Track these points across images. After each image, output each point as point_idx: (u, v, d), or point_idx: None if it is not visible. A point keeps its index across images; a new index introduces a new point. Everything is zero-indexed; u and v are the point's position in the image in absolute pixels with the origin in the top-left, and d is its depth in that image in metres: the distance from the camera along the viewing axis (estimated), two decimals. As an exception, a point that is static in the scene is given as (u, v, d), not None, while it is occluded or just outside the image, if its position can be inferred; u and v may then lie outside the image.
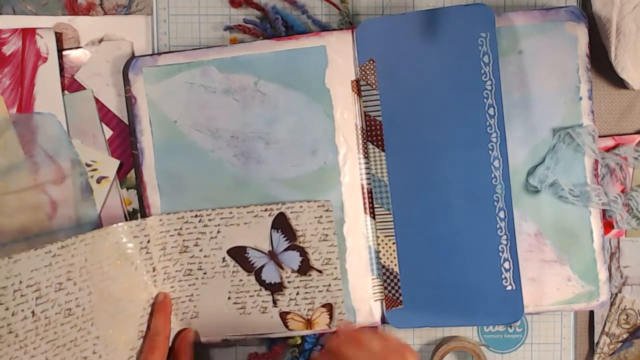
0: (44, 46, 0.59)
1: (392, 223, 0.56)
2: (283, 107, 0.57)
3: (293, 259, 0.56)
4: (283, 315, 0.57)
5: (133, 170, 0.58)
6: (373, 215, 0.57)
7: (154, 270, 0.55)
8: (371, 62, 0.56)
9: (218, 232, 0.56)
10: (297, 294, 0.56)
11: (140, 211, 0.58)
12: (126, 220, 0.61)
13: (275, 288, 0.56)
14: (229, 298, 0.56)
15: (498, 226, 0.55)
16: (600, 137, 0.59)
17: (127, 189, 0.61)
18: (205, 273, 0.56)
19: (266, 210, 0.56)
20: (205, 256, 0.56)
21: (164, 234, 0.55)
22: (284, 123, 0.57)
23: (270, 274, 0.56)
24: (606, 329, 0.62)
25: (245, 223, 0.56)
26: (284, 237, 0.56)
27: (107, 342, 0.51)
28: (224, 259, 0.56)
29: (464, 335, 0.61)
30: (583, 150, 0.56)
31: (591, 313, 0.62)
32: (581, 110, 0.57)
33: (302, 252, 0.56)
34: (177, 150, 0.58)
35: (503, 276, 0.55)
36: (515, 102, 0.57)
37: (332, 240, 0.56)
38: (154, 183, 0.57)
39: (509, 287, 0.55)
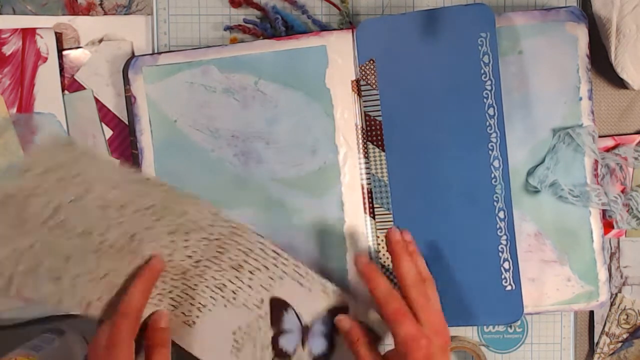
0: (44, 46, 0.59)
1: (392, 223, 0.56)
2: (283, 107, 0.57)
3: (319, 345, 0.53)
4: None
5: (133, 170, 0.59)
6: (373, 215, 0.57)
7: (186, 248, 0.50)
8: (371, 62, 0.56)
9: (281, 278, 0.52)
10: None
11: (140, 211, 0.58)
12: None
13: (282, 356, 0.53)
14: (233, 333, 0.52)
15: (498, 226, 0.55)
16: (600, 137, 0.59)
17: (127, 189, 0.61)
18: (234, 297, 0.52)
19: (334, 292, 0.53)
20: (249, 286, 0.52)
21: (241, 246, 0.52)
22: (284, 123, 0.57)
23: (288, 343, 0.53)
24: (606, 329, 0.62)
25: (309, 289, 0.52)
26: (331, 325, 0.53)
27: None
28: (262, 300, 0.52)
29: (464, 335, 0.61)
30: (583, 151, 0.56)
31: (591, 313, 0.62)
32: (581, 110, 0.57)
33: (332, 345, 0.53)
34: (177, 150, 0.58)
35: (503, 276, 0.55)
36: (515, 102, 0.57)
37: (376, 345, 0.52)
38: (154, 183, 0.57)
39: (509, 287, 0.55)
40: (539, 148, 0.57)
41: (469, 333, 0.62)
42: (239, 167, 0.58)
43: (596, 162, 0.57)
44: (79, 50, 0.60)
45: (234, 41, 0.60)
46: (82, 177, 0.46)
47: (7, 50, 0.59)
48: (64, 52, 0.60)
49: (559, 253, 0.58)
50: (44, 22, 0.60)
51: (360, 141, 0.57)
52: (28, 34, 0.59)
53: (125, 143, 0.60)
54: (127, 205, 0.47)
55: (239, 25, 0.59)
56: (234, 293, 0.52)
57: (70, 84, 0.60)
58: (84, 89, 0.60)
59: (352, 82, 0.57)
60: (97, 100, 0.60)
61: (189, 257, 0.51)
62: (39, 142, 0.49)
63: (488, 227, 0.55)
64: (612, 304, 0.61)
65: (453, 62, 0.55)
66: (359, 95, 0.57)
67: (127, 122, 0.59)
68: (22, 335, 0.59)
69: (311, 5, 0.60)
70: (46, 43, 0.59)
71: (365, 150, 0.57)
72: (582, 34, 0.56)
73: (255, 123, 0.58)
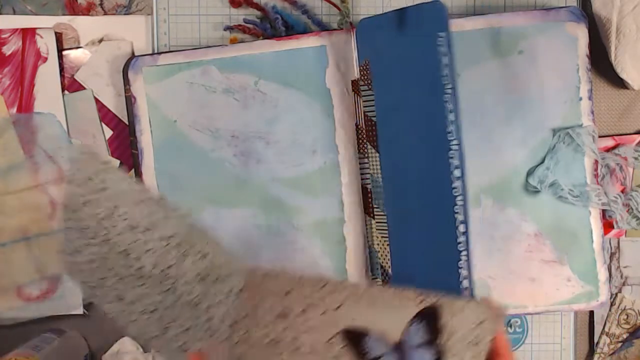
0: (44, 46, 0.59)
1: (386, 224, 0.56)
2: (283, 107, 0.57)
3: (424, 357, 0.42)
4: None
5: (133, 170, 0.58)
6: (373, 215, 0.57)
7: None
8: (366, 61, 0.56)
9: (339, 306, 0.42)
10: None
11: (140, 211, 0.58)
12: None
13: None
14: None
15: (458, 241, 0.51)
16: (600, 137, 0.59)
17: (127, 189, 0.61)
18: (297, 348, 0.41)
19: (417, 297, 0.43)
20: (305, 331, 0.42)
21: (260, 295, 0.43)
22: (284, 123, 0.58)
23: None
24: (606, 329, 0.62)
25: (373, 303, 0.43)
26: (425, 331, 0.43)
27: None
28: (331, 338, 0.41)
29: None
30: (583, 151, 0.56)
31: (591, 313, 0.62)
32: (581, 110, 0.57)
33: (438, 354, 0.42)
34: (177, 150, 0.58)
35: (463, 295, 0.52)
36: (515, 102, 0.57)
37: (483, 349, 0.42)
38: (153, 183, 0.57)
39: None
40: (539, 148, 0.57)
41: (469, 333, 0.61)
42: (239, 167, 0.58)
43: (596, 162, 0.57)
44: (79, 50, 0.60)
45: (234, 41, 0.60)
46: (109, 191, 0.40)
47: (7, 50, 0.59)
48: (64, 52, 0.60)
49: (559, 253, 0.58)
50: (44, 22, 0.60)
51: (360, 141, 0.57)
52: (28, 34, 0.59)
53: (125, 143, 0.60)
54: (152, 229, 0.41)
55: (239, 25, 0.59)
56: (294, 343, 0.41)
57: (70, 84, 0.60)
58: (84, 89, 0.60)
59: (352, 82, 0.57)
60: (97, 100, 0.60)
61: (222, 322, 0.42)
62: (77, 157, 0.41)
63: (448, 243, 0.51)
64: (612, 304, 0.61)
65: (420, 64, 0.52)
66: (359, 95, 0.57)
67: (127, 122, 0.59)
68: (22, 335, 0.59)
69: (311, 5, 0.60)
70: (46, 43, 0.59)
71: (365, 150, 0.57)
72: (582, 34, 0.56)
73: (255, 123, 0.58)
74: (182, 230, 0.41)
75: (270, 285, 0.41)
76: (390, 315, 0.43)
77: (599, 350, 0.62)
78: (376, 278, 0.58)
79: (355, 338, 0.42)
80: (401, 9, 0.52)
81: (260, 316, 0.41)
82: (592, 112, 0.57)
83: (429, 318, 0.42)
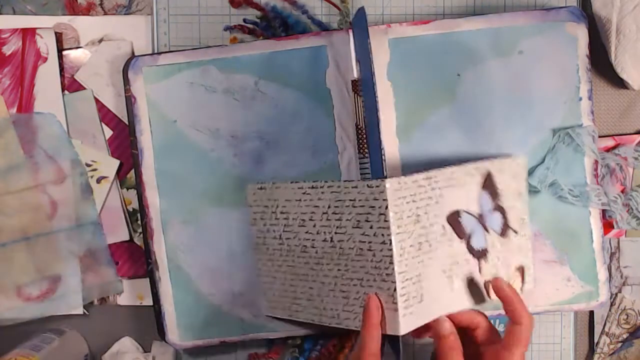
0: (44, 46, 0.59)
1: None
2: (283, 107, 0.57)
3: (497, 221, 0.52)
4: (487, 285, 0.51)
5: (133, 170, 0.58)
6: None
7: (390, 244, 0.46)
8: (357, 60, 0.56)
9: (440, 195, 0.49)
10: (498, 259, 0.52)
11: (140, 211, 0.58)
12: (126, 219, 0.61)
13: (482, 254, 0.51)
14: (443, 272, 0.49)
15: None
16: (600, 137, 0.59)
17: (127, 189, 0.61)
18: (430, 245, 0.48)
19: (477, 168, 0.51)
20: (430, 224, 0.48)
21: (401, 200, 0.46)
22: (284, 123, 0.57)
23: (479, 240, 0.51)
24: (606, 329, 0.62)
25: (460, 184, 0.50)
26: (490, 197, 0.52)
27: (329, 291, 0.51)
28: (443, 226, 0.49)
29: (464, 335, 0.61)
30: (583, 151, 0.56)
31: (591, 313, 0.62)
32: (581, 110, 0.57)
33: (503, 212, 0.52)
34: (176, 150, 0.58)
35: None
36: (515, 102, 0.57)
37: (526, 197, 0.54)
38: (153, 183, 0.57)
39: None
40: (539, 148, 0.57)
41: (469, 333, 0.61)
42: (239, 167, 0.58)
43: (596, 162, 0.57)
44: (79, 50, 0.60)
45: (234, 41, 0.60)
46: None
47: (7, 50, 0.59)
48: (64, 52, 0.60)
49: (558, 253, 0.58)
50: (44, 22, 0.60)
51: (360, 141, 0.57)
52: (28, 34, 0.59)
53: (125, 143, 0.60)
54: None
55: (239, 25, 0.59)
56: (427, 241, 0.48)
57: (70, 84, 0.60)
58: (84, 89, 0.60)
59: (352, 82, 0.57)
60: (97, 100, 0.60)
61: (365, 242, 0.48)
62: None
63: None
64: (612, 304, 0.61)
65: (363, 67, 0.54)
66: (359, 95, 0.57)
67: (127, 122, 0.59)
68: (22, 335, 0.59)
69: (311, 5, 0.60)
70: (46, 43, 0.59)
71: (365, 150, 0.57)
72: (582, 34, 0.56)
73: (255, 123, 0.58)
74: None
75: (404, 192, 0.47)
76: (467, 193, 0.51)
77: (599, 350, 0.62)
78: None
79: (454, 219, 0.50)
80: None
81: (406, 225, 0.47)
82: (592, 112, 0.57)
83: (489, 184, 0.51)
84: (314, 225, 0.51)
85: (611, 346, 0.62)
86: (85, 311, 0.61)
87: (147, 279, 0.59)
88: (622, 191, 0.60)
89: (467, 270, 0.50)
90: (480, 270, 0.51)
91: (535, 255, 0.58)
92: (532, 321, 0.49)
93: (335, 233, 0.49)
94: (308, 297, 0.53)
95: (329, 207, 0.49)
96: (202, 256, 0.58)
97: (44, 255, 0.59)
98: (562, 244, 0.57)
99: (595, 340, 0.62)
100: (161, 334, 0.59)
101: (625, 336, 0.62)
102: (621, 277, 0.62)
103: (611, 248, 0.61)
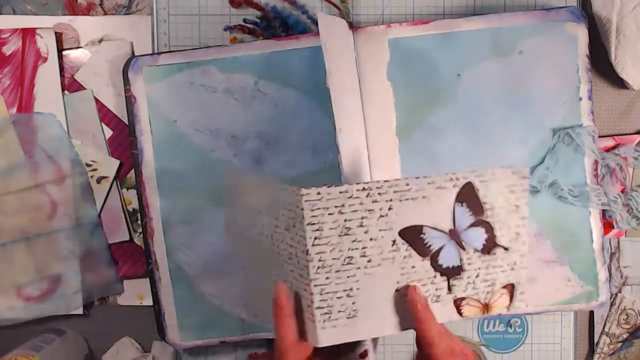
0: (44, 46, 0.59)
1: None
2: (283, 107, 0.57)
3: (477, 237, 0.47)
4: (457, 302, 0.48)
5: (133, 170, 0.58)
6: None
7: (307, 254, 0.44)
8: None
9: (390, 208, 0.45)
10: (477, 276, 0.48)
11: (140, 211, 0.58)
12: (126, 219, 0.61)
13: (453, 272, 0.47)
14: (397, 290, 0.46)
15: None
16: (600, 137, 0.59)
17: (127, 189, 0.61)
18: (369, 260, 0.45)
19: (451, 180, 0.45)
20: (371, 239, 0.45)
21: (321, 211, 0.44)
22: (284, 123, 0.57)
23: (448, 257, 0.46)
24: (606, 329, 0.62)
25: (423, 197, 0.45)
26: (469, 211, 0.46)
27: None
28: (394, 241, 0.45)
29: (464, 335, 0.61)
30: (583, 151, 0.56)
31: (591, 313, 0.62)
32: (581, 110, 0.57)
33: (488, 227, 0.47)
34: (177, 150, 0.58)
35: None
36: (515, 102, 0.57)
37: (524, 212, 0.47)
38: (153, 183, 0.57)
39: None
40: (539, 148, 0.57)
41: (468, 333, 0.62)
42: (239, 167, 0.58)
43: (596, 162, 0.57)
44: (79, 50, 0.60)
45: (234, 41, 0.60)
46: None
47: (7, 50, 0.59)
48: (64, 52, 0.60)
49: (558, 253, 0.58)
50: (44, 22, 0.60)
51: (360, 141, 0.57)
52: (28, 34, 0.59)
53: (125, 143, 0.60)
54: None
55: (239, 25, 0.59)
56: (365, 256, 0.45)
57: (70, 84, 0.60)
58: (84, 89, 0.60)
59: (352, 82, 0.57)
60: (97, 100, 0.60)
61: (293, 247, 0.45)
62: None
63: None
64: (612, 304, 0.61)
65: None
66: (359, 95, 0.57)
67: (127, 122, 0.59)
68: (22, 335, 0.59)
69: (311, 5, 0.60)
70: (46, 43, 0.59)
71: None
72: (582, 34, 0.56)
73: (255, 123, 0.58)
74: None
75: (326, 203, 0.43)
76: (435, 206, 0.45)
77: (599, 350, 0.62)
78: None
79: (412, 234, 0.45)
80: None
81: (327, 237, 0.44)
82: (592, 112, 0.57)
83: (468, 197, 0.46)
84: (262, 222, 0.48)
85: (611, 346, 0.62)
86: (85, 311, 0.61)
87: (147, 279, 0.59)
88: (622, 191, 0.60)
89: (433, 289, 0.47)
90: (450, 289, 0.47)
91: (535, 255, 0.58)
92: (447, 350, 0.44)
93: (274, 232, 0.47)
94: (261, 295, 0.50)
95: (270, 205, 0.47)
96: (202, 256, 0.58)
97: (44, 255, 0.59)
98: (562, 244, 0.57)
99: (595, 340, 0.62)
100: (161, 334, 0.59)
101: (625, 336, 0.62)
102: (621, 277, 0.62)
103: (611, 248, 0.61)
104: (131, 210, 0.61)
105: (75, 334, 0.62)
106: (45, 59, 0.59)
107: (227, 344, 0.60)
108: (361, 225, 0.45)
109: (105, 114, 0.60)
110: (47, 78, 0.59)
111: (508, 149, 0.56)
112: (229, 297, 0.58)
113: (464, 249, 0.47)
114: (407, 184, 0.45)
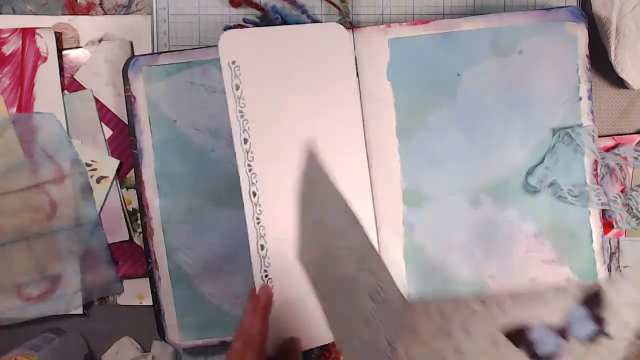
0: (44, 46, 0.59)
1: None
2: (283, 107, 0.57)
3: (586, 329, 0.39)
4: None
5: (133, 170, 0.58)
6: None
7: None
8: None
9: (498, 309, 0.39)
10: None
11: (140, 211, 0.58)
12: (126, 219, 0.61)
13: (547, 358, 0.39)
14: None
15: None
16: (600, 137, 0.59)
17: (127, 189, 0.61)
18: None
19: (579, 287, 0.38)
20: (471, 339, 0.40)
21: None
22: (283, 123, 0.57)
23: (548, 346, 0.39)
24: (606, 329, 0.62)
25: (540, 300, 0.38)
26: (588, 309, 0.38)
27: None
28: (495, 340, 0.39)
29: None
30: (583, 151, 0.56)
31: (591, 313, 0.62)
32: (581, 110, 0.57)
33: (601, 322, 0.38)
34: (177, 150, 0.58)
35: None
36: (515, 102, 0.57)
37: None
38: (153, 183, 0.57)
39: None
40: (538, 148, 0.57)
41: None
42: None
43: (596, 162, 0.57)
44: (79, 50, 0.60)
45: (234, 41, 0.60)
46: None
47: (7, 50, 0.59)
48: (64, 52, 0.60)
49: (558, 253, 0.58)
50: (44, 22, 0.60)
51: (360, 141, 0.57)
52: (28, 34, 0.59)
53: (125, 143, 0.60)
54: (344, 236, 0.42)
55: (239, 25, 0.59)
56: (459, 355, 0.39)
57: (70, 84, 0.60)
58: (84, 89, 0.60)
59: (352, 82, 0.57)
60: (97, 100, 0.60)
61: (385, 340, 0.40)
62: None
63: None
64: (612, 304, 0.61)
65: None
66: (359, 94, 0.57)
67: (127, 122, 0.59)
68: (22, 335, 0.59)
69: (311, 5, 0.60)
70: (46, 43, 0.59)
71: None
72: (582, 34, 0.56)
73: (255, 123, 0.57)
74: (362, 245, 0.41)
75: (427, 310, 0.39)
76: (548, 305, 0.38)
77: (599, 350, 0.62)
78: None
79: (520, 335, 0.39)
80: None
81: (422, 334, 0.39)
82: (592, 112, 0.57)
83: (592, 302, 0.38)
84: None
85: (611, 346, 0.62)
86: (85, 311, 0.61)
87: (147, 279, 0.59)
88: (622, 191, 0.60)
89: None
90: None
91: (535, 256, 0.58)
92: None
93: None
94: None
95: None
96: (202, 256, 0.58)
97: (44, 255, 0.59)
98: (562, 244, 0.57)
99: (595, 340, 0.62)
100: (161, 334, 0.59)
101: (625, 336, 0.62)
102: (621, 277, 0.61)
103: (611, 248, 0.61)
104: (131, 210, 0.61)
105: (75, 334, 0.62)
106: (45, 59, 0.59)
107: (227, 344, 0.60)
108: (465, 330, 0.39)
109: (105, 114, 0.60)
110: (47, 78, 0.59)
111: (508, 149, 0.56)
112: (229, 297, 0.58)
113: (566, 340, 0.39)
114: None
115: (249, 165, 0.53)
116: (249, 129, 0.53)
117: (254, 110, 0.54)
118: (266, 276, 0.53)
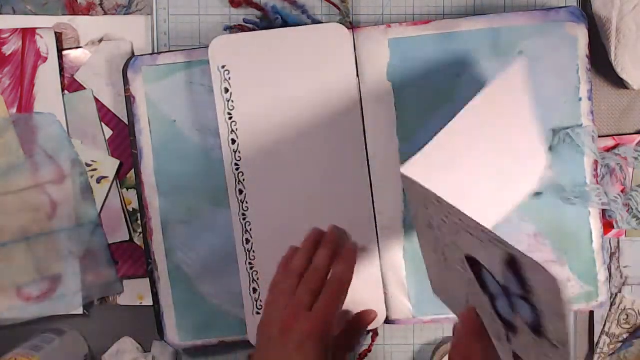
0: (44, 46, 0.59)
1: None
2: (283, 107, 0.57)
3: (526, 310, 0.39)
4: (515, 356, 0.43)
5: (133, 170, 0.58)
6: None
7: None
8: None
9: (457, 232, 0.42)
10: (530, 347, 0.41)
11: (140, 211, 0.58)
12: (126, 219, 0.61)
13: (509, 327, 0.42)
14: (467, 301, 0.46)
15: None
16: (600, 137, 0.59)
17: (127, 189, 0.61)
18: (446, 259, 0.46)
19: (500, 242, 0.38)
20: (445, 245, 0.45)
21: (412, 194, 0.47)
22: (283, 123, 0.57)
23: (504, 310, 0.41)
24: (606, 329, 0.62)
25: (480, 241, 0.40)
26: (518, 284, 0.39)
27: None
28: (462, 260, 0.43)
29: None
30: (583, 151, 0.56)
31: (591, 313, 0.62)
32: (581, 110, 0.57)
33: (536, 311, 0.38)
34: (176, 150, 0.58)
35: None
36: (515, 102, 0.57)
37: (568, 322, 0.36)
38: (153, 183, 0.57)
39: None
40: (538, 148, 0.57)
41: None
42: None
43: (596, 162, 0.57)
44: (79, 50, 0.60)
45: (233, 41, 0.60)
46: None
47: (7, 50, 0.59)
48: (64, 52, 0.60)
49: (558, 253, 0.58)
50: (44, 22, 0.60)
51: (360, 141, 0.57)
52: (28, 34, 0.59)
53: (125, 143, 0.60)
54: None
55: (239, 25, 0.59)
56: (444, 256, 0.46)
57: (70, 84, 0.60)
58: (84, 89, 0.60)
59: (352, 82, 0.57)
60: (97, 100, 0.60)
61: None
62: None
63: None
64: (612, 304, 0.61)
65: None
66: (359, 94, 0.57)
67: (127, 122, 0.59)
68: (22, 335, 0.59)
69: (311, 5, 0.59)
70: (46, 43, 0.59)
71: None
72: (582, 34, 0.56)
73: (255, 123, 0.57)
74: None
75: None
76: (490, 253, 0.40)
77: (599, 350, 0.62)
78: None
79: (475, 266, 0.42)
80: None
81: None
82: (592, 112, 0.57)
83: (513, 269, 0.39)
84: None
85: (611, 346, 0.62)
86: (85, 311, 0.61)
87: (147, 279, 0.59)
88: (622, 191, 0.60)
89: (493, 325, 0.43)
90: (508, 339, 0.42)
91: (535, 256, 0.57)
92: None
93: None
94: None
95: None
96: (201, 256, 0.58)
97: (44, 255, 0.59)
98: (561, 244, 0.57)
99: (595, 340, 0.62)
100: (161, 334, 0.59)
101: (625, 336, 0.62)
102: (621, 277, 0.61)
103: (611, 248, 0.61)
104: (131, 210, 0.61)
105: (75, 334, 0.62)
106: (45, 59, 0.59)
107: (227, 344, 0.60)
108: (439, 229, 0.45)
109: (105, 114, 0.60)
110: (47, 78, 0.59)
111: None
112: (228, 297, 0.58)
113: (514, 312, 0.40)
114: (460, 219, 0.40)
115: (236, 165, 0.55)
116: (237, 129, 0.55)
117: (242, 112, 0.56)
118: (251, 268, 0.56)
